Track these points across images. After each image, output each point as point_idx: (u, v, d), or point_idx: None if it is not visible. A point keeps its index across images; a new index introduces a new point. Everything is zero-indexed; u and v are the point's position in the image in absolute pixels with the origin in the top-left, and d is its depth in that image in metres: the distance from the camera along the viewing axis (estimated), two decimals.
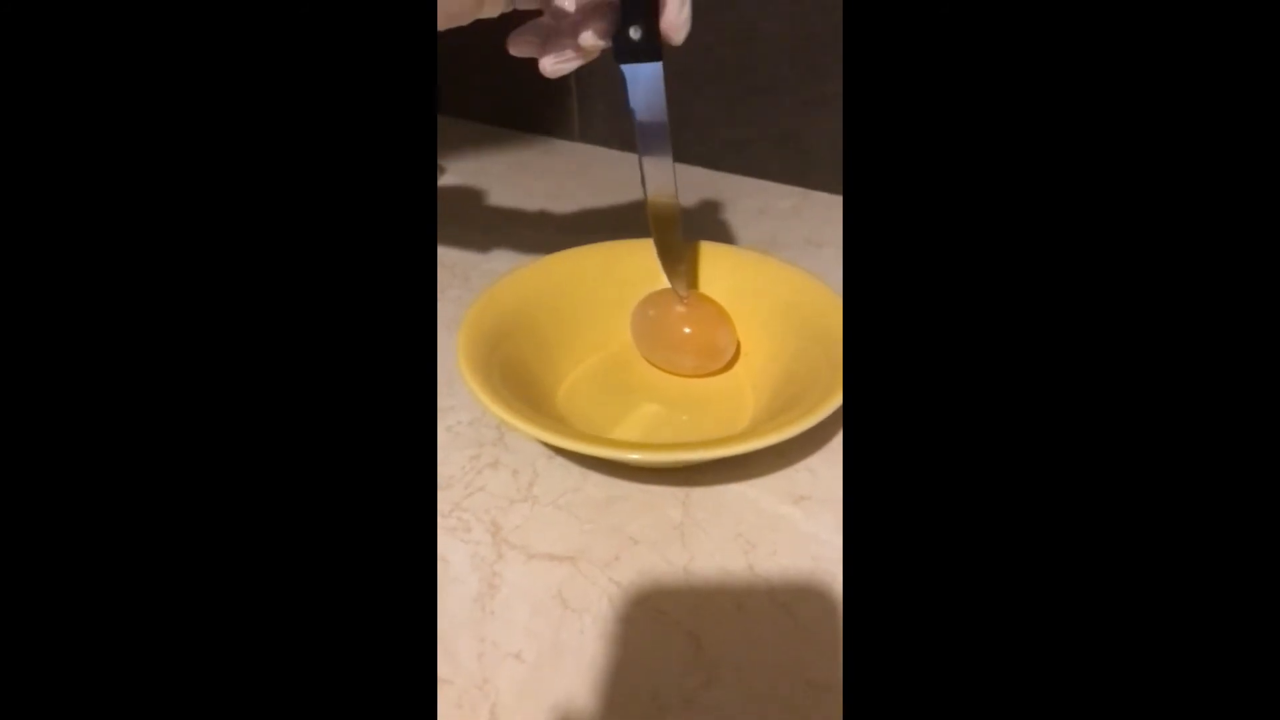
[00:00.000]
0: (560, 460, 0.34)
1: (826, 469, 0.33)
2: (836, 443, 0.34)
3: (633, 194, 0.37)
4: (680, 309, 0.38)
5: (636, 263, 0.40)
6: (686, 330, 0.38)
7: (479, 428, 0.36)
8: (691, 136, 0.61)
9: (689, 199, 0.57)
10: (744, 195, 0.58)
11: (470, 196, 0.59)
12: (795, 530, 0.30)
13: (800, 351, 0.36)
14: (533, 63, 0.34)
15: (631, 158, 0.36)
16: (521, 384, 0.34)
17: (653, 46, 0.32)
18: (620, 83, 0.34)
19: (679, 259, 0.38)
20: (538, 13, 0.34)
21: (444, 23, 0.30)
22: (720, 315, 0.38)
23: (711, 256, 0.41)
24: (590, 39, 0.32)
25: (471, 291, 0.45)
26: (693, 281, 0.40)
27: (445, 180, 0.62)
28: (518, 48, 0.34)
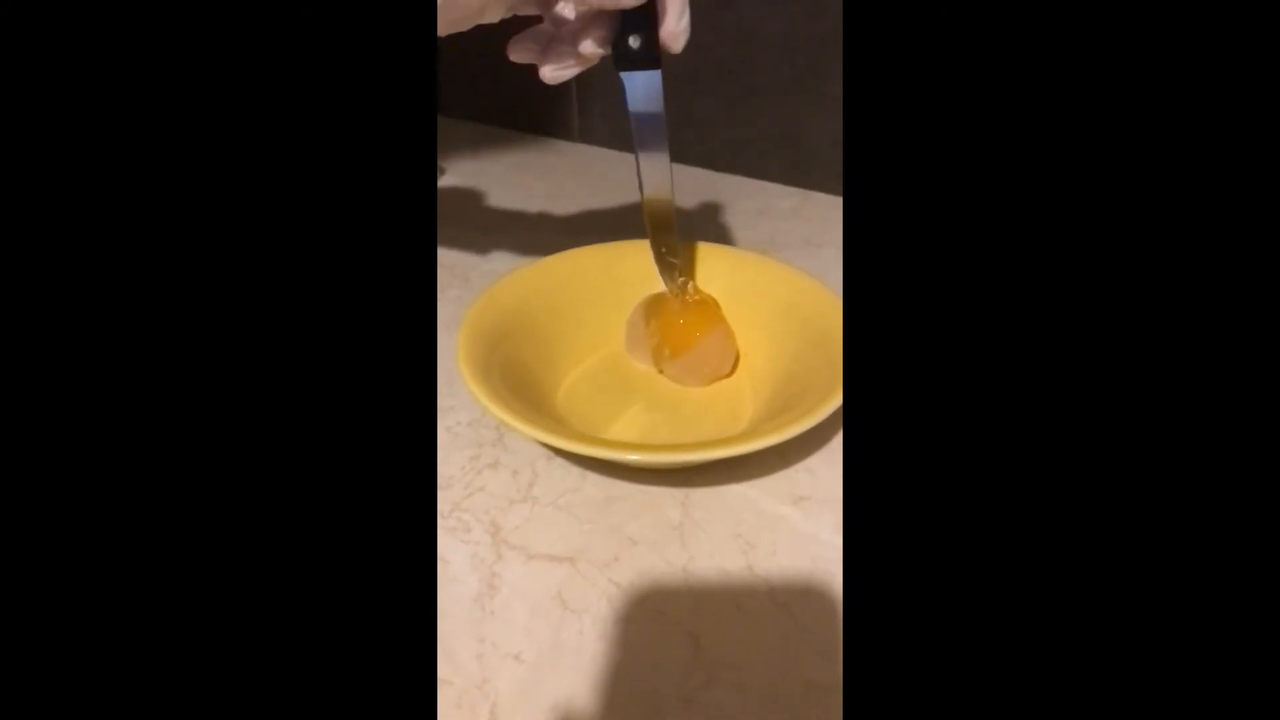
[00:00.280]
0: (560, 461, 0.34)
1: (825, 469, 0.33)
2: (835, 443, 0.34)
3: (632, 195, 0.37)
4: (679, 321, 0.38)
5: (636, 263, 0.40)
6: (685, 356, 0.38)
7: (479, 428, 0.36)
8: (691, 137, 0.61)
9: (689, 199, 0.57)
10: (743, 196, 0.58)
11: (470, 197, 0.59)
12: (794, 531, 0.30)
13: (799, 352, 0.36)
14: (532, 66, 0.34)
15: (631, 158, 0.36)
16: (521, 384, 0.34)
17: (652, 55, 0.32)
18: (619, 89, 0.34)
19: (675, 263, 0.38)
20: (538, 19, 0.34)
21: (445, 28, 0.30)
22: (717, 333, 0.38)
23: (711, 257, 0.41)
24: (590, 47, 0.32)
25: (471, 292, 0.45)
26: (689, 286, 0.40)
27: (445, 181, 0.62)
28: (518, 54, 0.34)
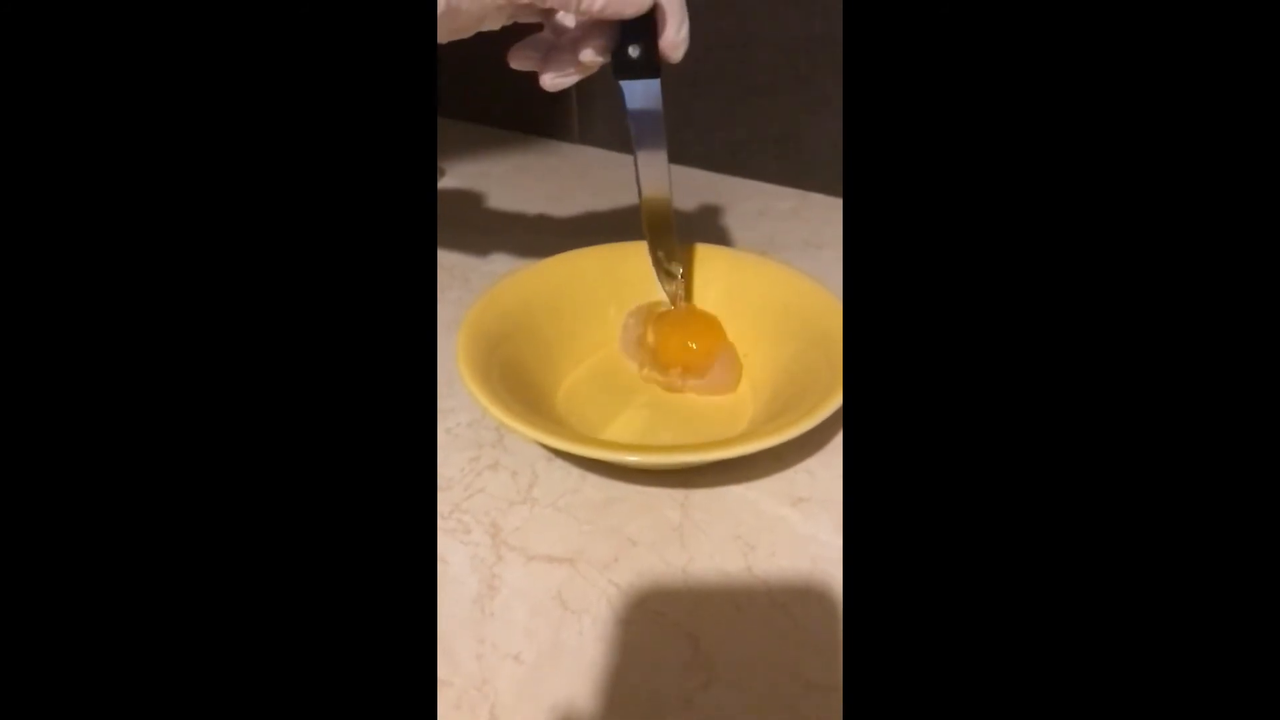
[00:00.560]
0: (559, 462, 0.34)
1: (825, 471, 0.33)
2: (835, 444, 0.34)
3: (633, 196, 0.38)
4: (690, 345, 0.37)
5: (636, 265, 0.40)
6: (699, 381, 0.37)
7: (478, 429, 0.36)
8: (691, 138, 0.61)
9: (688, 201, 0.57)
10: (743, 197, 0.58)
11: (470, 199, 0.59)
12: (793, 531, 0.30)
13: (798, 353, 0.36)
14: (533, 72, 0.34)
15: (631, 160, 0.36)
16: (521, 385, 0.34)
17: (651, 64, 0.33)
18: (618, 96, 0.34)
19: (673, 269, 0.39)
20: (538, 27, 0.35)
21: (446, 36, 0.30)
22: (728, 356, 0.38)
23: (710, 258, 0.41)
24: (590, 56, 0.32)
25: (471, 293, 0.45)
26: (687, 290, 0.40)
27: (445, 182, 0.62)
28: (518, 61, 0.34)
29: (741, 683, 0.25)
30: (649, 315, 0.39)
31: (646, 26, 0.32)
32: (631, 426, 0.36)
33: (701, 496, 0.32)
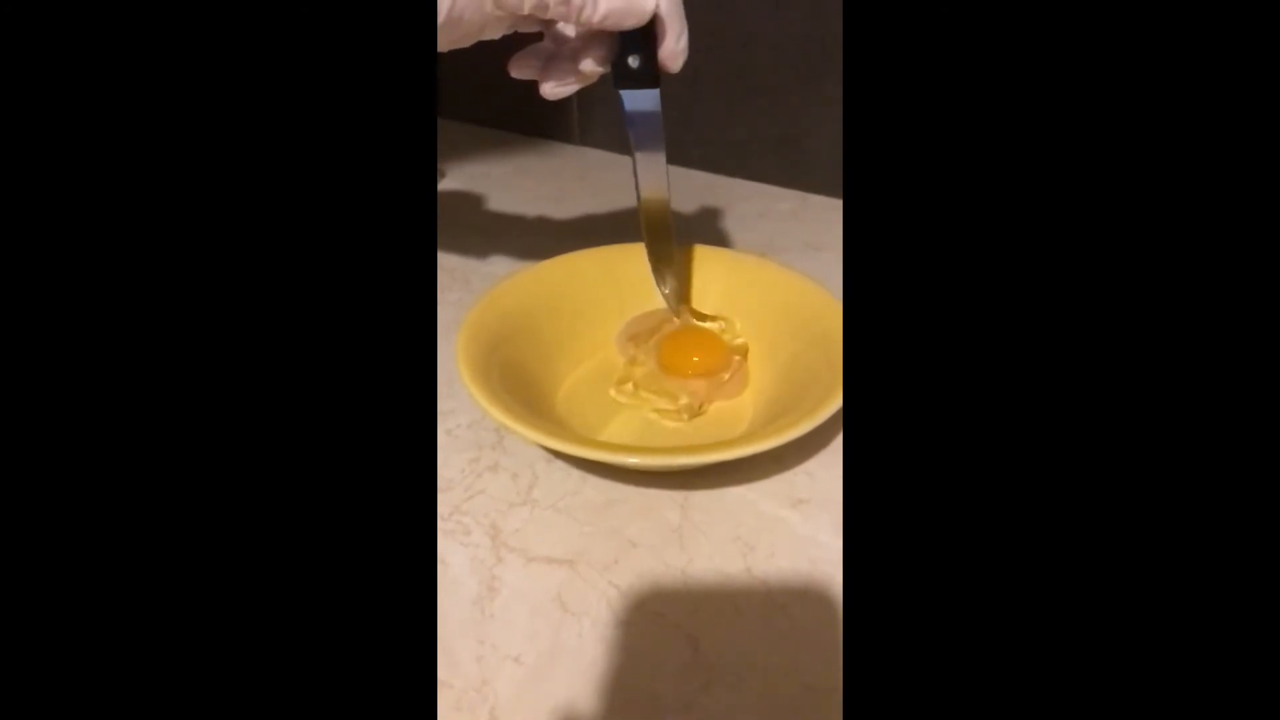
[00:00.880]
0: (559, 463, 0.34)
1: (824, 472, 0.33)
2: (834, 446, 0.34)
3: (633, 198, 0.38)
4: (705, 383, 0.37)
5: (636, 267, 0.40)
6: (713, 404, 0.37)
7: (478, 431, 0.36)
8: (691, 139, 0.61)
9: (688, 202, 0.57)
10: (743, 198, 0.58)
11: (470, 200, 0.59)
12: (793, 533, 0.30)
13: (798, 355, 0.36)
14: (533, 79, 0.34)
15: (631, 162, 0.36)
16: (521, 387, 0.34)
17: (651, 74, 0.33)
18: (618, 104, 0.34)
19: (671, 275, 0.39)
20: (539, 36, 0.35)
21: (446, 45, 0.30)
22: (740, 374, 0.37)
23: (710, 260, 0.41)
24: (590, 65, 0.33)
25: (471, 295, 0.45)
26: (685, 293, 0.40)
27: (445, 184, 0.62)
28: (519, 70, 0.35)
29: (741, 684, 0.25)
30: (660, 340, 0.38)
31: (646, 37, 0.32)
32: (631, 428, 0.36)
33: (701, 498, 0.32)
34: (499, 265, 0.50)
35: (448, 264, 0.50)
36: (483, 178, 0.63)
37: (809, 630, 0.26)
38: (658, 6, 0.31)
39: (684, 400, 0.36)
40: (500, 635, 0.26)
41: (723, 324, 0.39)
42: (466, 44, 0.31)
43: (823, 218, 0.55)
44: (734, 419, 0.36)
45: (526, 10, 0.29)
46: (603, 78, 0.34)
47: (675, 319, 0.39)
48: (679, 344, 0.38)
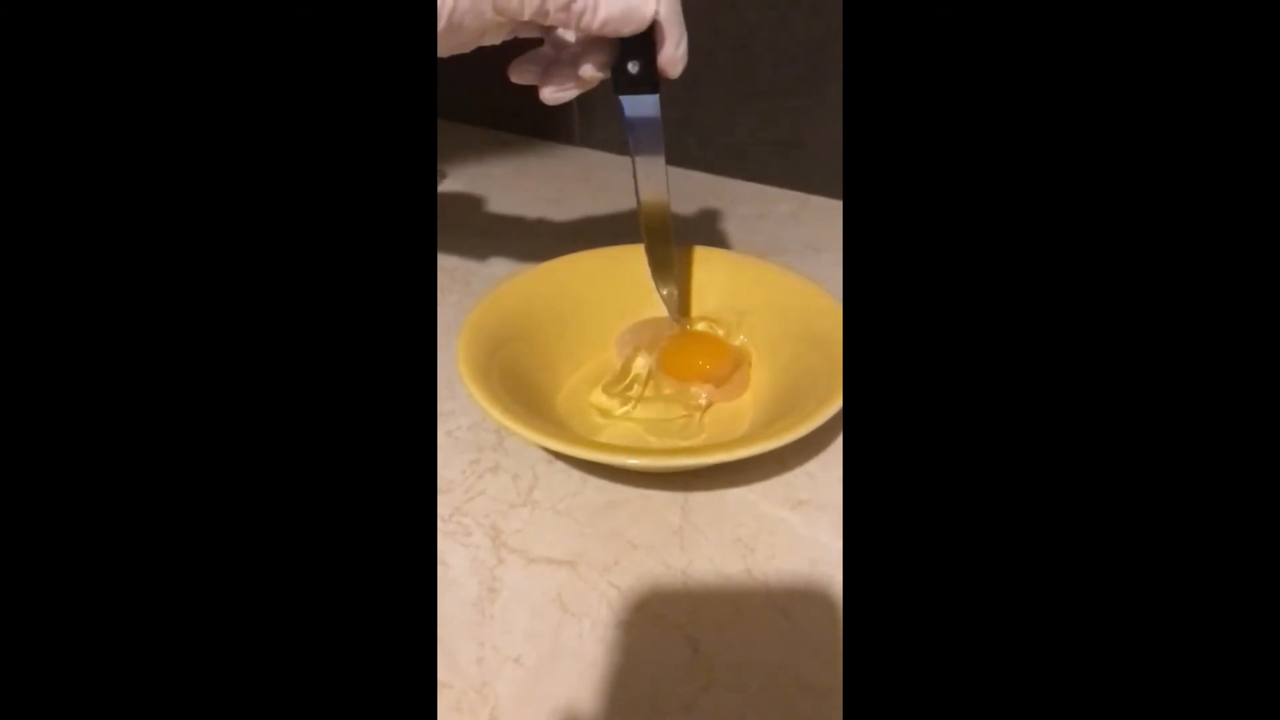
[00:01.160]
0: (560, 465, 0.34)
1: (824, 473, 0.33)
2: (834, 447, 0.34)
3: (634, 199, 0.38)
4: (701, 363, 0.37)
5: (637, 268, 0.40)
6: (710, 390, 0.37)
7: (479, 432, 0.36)
8: (691, 141, 0.61)
9: (688, 204, 0.57)
10: (743, 200, 0.58)
11: (471, 201, 0.59)
12: (793, 534, 0.30)
13: (799, 356, 0.36)
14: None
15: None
16: (521, 388, 0.34)
17: (650, 79, 0.33)
18: (618, 110, 0.34)
19: (670, 280, 0.39)
20: (539, 41, 0.35)
21: (446, 51, 0.30)
22: (742, 374, 0.37)
23: (710, 261, 0.41)
24: (590, 71, 0.33)
25: (472, 296, 0.45)
26: (685, 296, 0.40)
27: (446, 185, 0.62)
28: (519, 75, 0.35)
29: (741, 685, 0.25)
30: (662, 351, 0.38)
31: (646, 43, 0.32)
32: (632, 429, 0.36)
33: (702, 499, 0.32)
34: (499, 267, 0.50)
35: (448, 265, 0.50)
36: (483, 179, 0.63)
37: (809, 631, 0.26)
38: (657, 12, 0.31)
39: (684, 411, 0.36)
40: (500, 636, 0.26)
41: (722, 331, 0.39)
42: (467, 49, 0.31)
43: (823, 219, 0.55)
44: (734, 420, 0.36)
45: (526, 16, 0.29)
46: (602, 82, 0.34)
47: (675, 325, 0.39)
48: (682, 349, 0.38)
